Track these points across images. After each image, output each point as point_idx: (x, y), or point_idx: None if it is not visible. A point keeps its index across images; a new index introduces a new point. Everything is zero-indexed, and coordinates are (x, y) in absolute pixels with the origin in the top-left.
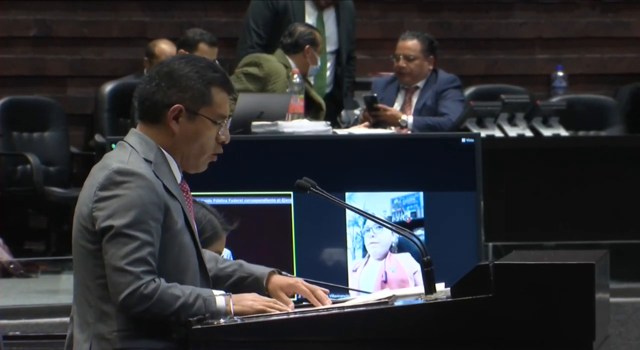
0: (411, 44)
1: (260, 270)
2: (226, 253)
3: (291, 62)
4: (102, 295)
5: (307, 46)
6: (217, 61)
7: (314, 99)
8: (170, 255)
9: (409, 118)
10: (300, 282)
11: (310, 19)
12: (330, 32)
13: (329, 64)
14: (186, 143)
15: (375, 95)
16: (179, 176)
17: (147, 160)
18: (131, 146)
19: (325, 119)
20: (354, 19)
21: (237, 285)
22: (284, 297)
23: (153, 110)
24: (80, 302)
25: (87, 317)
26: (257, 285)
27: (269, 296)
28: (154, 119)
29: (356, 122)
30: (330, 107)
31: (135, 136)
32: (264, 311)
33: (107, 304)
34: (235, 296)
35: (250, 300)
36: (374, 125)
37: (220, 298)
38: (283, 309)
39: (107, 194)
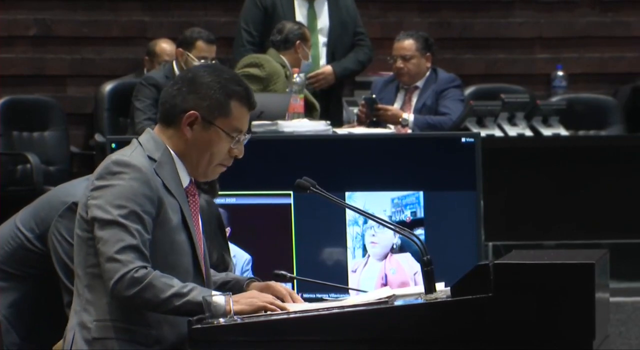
0: (407, 43)
1: (243, 277)
2: (246, 259)
3: (284, 59)
4: (89, 284)
5: (298, 42)
6: (216, 60)
7: (307, 99)
8: (161, 252)
9: (409, 116)
10: (275, 283)
11: (300, 11)
12: (324, 24)
13: (323, 59)
14: (197, 150)
15: (374, 96)
16: (185, 180)
17: (150, 158)
18: (139, 143)
19: (321, 115)
20: (354, 13)
21: (220, 288)
22: None
23: (170, 113)
24: (75, 290)
25: (76, 305)
26: (237, 286)
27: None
28: (170, 121)
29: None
30: (323, 100)
31: (146, 135)
32: (263, 308)
33: (91, 293)
34: (234, 296)
35: (249, 297)
36: (374, 124)
37: (218, 296)
38: (282, 306)
39: (102, 183)
